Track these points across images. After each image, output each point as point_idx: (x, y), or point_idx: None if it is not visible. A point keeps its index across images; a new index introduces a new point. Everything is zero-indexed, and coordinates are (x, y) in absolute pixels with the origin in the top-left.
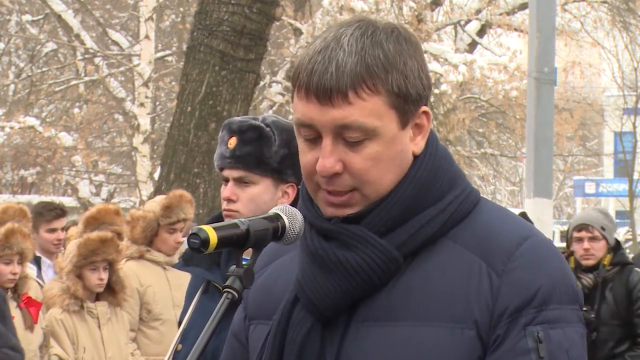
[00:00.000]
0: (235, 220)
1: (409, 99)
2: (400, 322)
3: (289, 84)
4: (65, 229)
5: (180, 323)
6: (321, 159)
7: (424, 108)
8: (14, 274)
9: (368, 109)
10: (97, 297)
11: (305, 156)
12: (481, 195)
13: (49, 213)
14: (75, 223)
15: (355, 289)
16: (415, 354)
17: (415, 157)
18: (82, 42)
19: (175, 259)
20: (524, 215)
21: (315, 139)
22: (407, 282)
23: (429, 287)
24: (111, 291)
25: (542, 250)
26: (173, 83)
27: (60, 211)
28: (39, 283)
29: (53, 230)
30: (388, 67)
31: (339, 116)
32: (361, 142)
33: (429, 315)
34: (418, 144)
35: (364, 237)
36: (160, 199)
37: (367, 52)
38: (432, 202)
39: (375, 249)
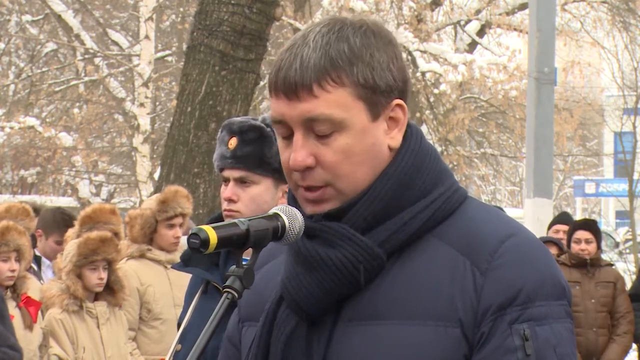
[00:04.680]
0: (235, 220)
1: (377, 90)
2: (386, 320)
3: None
4: None
5: (180, 323)
6: (293, 153)
7: (397, 101)
8: (12, 271)
9: (334, 101)
10: (96, 297)
11: (283, 154)
12: (480, 194)
13: (65, 228)
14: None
15: (338, 287)
16: (401, 353)
17: (397, 152)
18: (82, 42)
19: (177, 257)
20: (565, 214)
21: (290, 136)
22: (392, 280)
23: (413, 285)
24: (110, 291)
25: (527, 248)
26: (173, 83)
27: (72, 223)
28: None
29: (62, 242)
30: (353, 59)
31: (306, 109)
32: (331, 135)
33: (414, 313)
34: (394, 138)
35: (346, 234)
36: (156, 195)
37: (332, 47)
38: (416, 199)
39: (357, 246)
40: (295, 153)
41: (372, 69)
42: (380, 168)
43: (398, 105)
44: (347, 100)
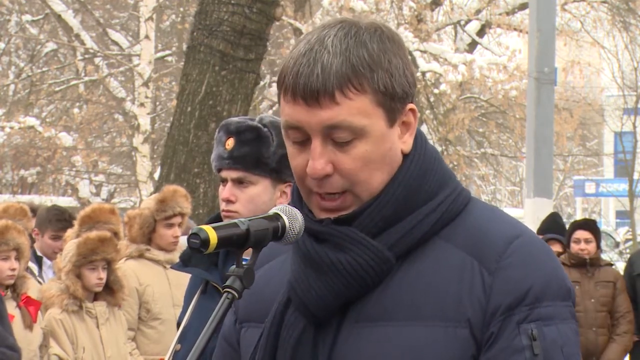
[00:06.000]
0: (235, 220)
1: (396, 96)
2: (393, 321)
3: None
4: None
5: (179, 323)
6: (311, 161)
7: (410, 105)
8: (13, 269)
9: (355, 108)
10: (96, 297)
11: (295, 159)
12: (481, 194)
13: (57, 223)
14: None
15: (348, 290)
16: (409, 353)
17: (405, 156)
18: (82, 42)
19: (176, 257)
20: (555, 215)
21: (304, 142)
22: (399, 282)
23: (421, 286)
24: (109, 291)
25: (533, 248)
26: (173, 83)
27: (68, 223)
28: (38, 281)
29: (57, 238)
30: (373, 66)
31: (327, 117)
32: (350, 142)
33: (421, 314)
34: (406, 142)
35: (356, 239)
36: (154, 195)
37: (352, 52)
38: (423, 202)
39: (367, 249)
40: (314, 161)
41: (391, 75)
42: (393, 172)
43: (411, 109)
44: (368, 108)
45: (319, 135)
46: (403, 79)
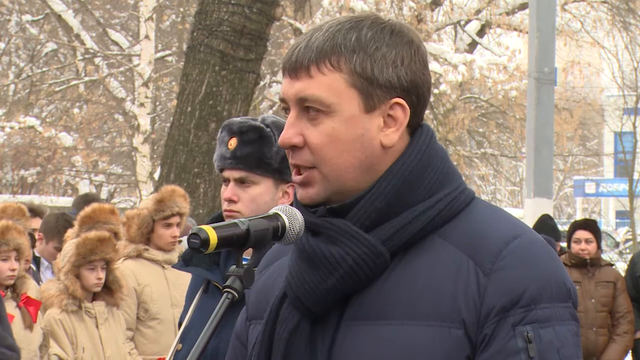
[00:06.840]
0: (235, 220)
1: (375, 82)
2: (390, 320)
3: None
4: None
5: (180, 323)
6: (284, 130)
7: (397, 100)
8: (13, 270)
9: (326, 84)
10: (94, 297)
11: None
12: (480, 194)
13: (64, 231)
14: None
15: (340, 284)
16: (405, 353)
17: (403, 151)
18: (82, 42)
19: (174, 257)
20: (546, 217)
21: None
22: (396, 280)
23: (417, 285)
24: (108, 291)
25: (532, 249)
26: (173, 83)
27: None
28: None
29: (61, 249)
30: (356, 49)
31: (300, 88)
32: (319, 118)
33: (417, 313)
34: (388, 136)
35: (349, 232)
36: (152, 195)
37: (341, 33)
38: (422, 198)
39: (360, 243)
40: (285, 130)
41: (374, 60)
42: (367, 161)
43: (398, 104)
44: (340, 86)
45: (295, 106)
46: (391, 69)
